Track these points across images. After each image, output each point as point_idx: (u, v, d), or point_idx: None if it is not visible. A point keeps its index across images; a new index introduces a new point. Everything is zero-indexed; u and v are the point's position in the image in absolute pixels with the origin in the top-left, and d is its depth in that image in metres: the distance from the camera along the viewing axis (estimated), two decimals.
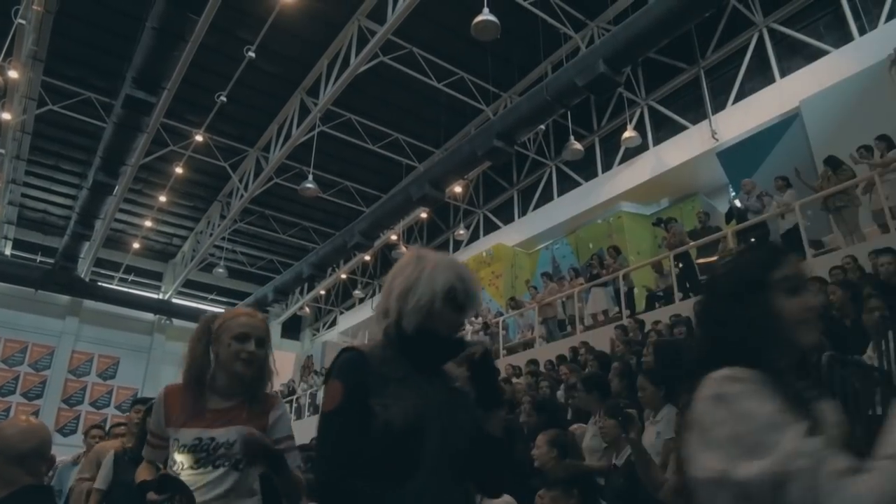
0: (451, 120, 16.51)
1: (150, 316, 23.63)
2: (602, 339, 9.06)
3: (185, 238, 22.77)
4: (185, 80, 13.02)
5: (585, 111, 15.80)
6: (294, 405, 18.13)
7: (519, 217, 17.94)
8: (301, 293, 24.17)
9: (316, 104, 13.96)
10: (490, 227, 18.92)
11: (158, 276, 24.60)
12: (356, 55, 12.63)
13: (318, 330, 26.94)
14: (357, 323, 22.84)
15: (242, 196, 17.28)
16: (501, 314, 13.42)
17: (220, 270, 20.96)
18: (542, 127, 15.02)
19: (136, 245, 21.40)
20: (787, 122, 11.16)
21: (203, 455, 2.04)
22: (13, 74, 12.44)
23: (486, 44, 12.21)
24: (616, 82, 10.55)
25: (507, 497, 2.81)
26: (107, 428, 5.93)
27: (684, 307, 8.37)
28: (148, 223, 20.25)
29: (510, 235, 17.47)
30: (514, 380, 8.45)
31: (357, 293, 23.12)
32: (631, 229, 14.09)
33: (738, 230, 9.07)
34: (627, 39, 9.91)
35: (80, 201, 16.42)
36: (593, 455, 3.88)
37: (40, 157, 17.61)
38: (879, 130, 8.09)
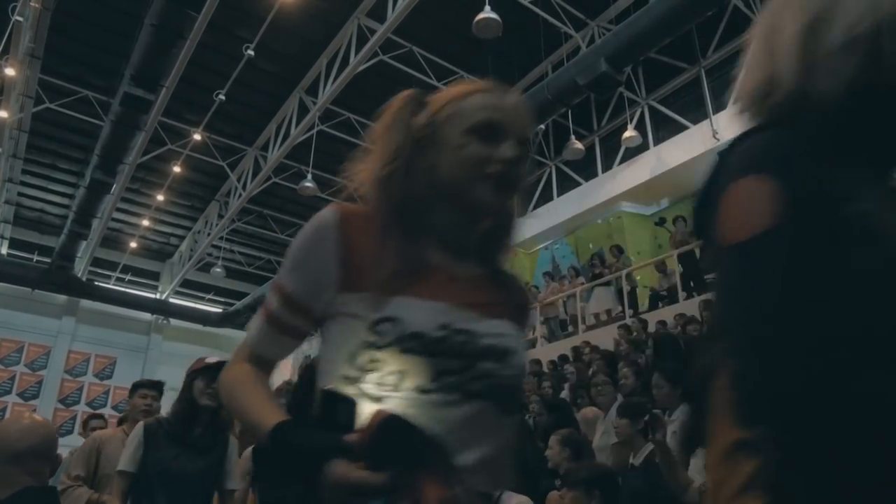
0: None
1: (147, 316, 23.54)
2: (604, 338, 9.01)
3: (182, 238, 22.66)
4: (184, 79, 12.94)
5: (586, 111, 15.75)
6: None
7: (518, 217, 17.84)
8: None
9: (315, 103, 13.88)
10: None
11: (156, 276, 24.47)
12: (356, 54, 12.56)
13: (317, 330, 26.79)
14: None
15: (241, 195, 17.20)
16: None
17: (218, 270, 20.88)
18: (542, 126, 14.96)
19: (133, 244, 21.31)
20: None
21: (456, 366, 1.00)
22: (10, 72, 12.34)
23: (487, 43, 12.14)
24: (618, 81, 10.51)
25: (523, 497, 2.75)
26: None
27: (689, 306, 8.32)
28: (145, 222, 20.15)
29: None
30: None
31: None
32: (631, 229, 14.07)
33: None
34: (629, 38, 9.88)
35: (77, 200, 16.33)
36: (601, 454, 3.83)
37: (37, 155, 17.48)
38: None
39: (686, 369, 3.44)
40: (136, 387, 3.84)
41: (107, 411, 21.08)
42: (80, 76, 14.80)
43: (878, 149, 0.80)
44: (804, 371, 0.65)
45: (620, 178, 14.62)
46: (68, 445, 13.55)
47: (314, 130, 15.03)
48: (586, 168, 15.73)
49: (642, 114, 14.67)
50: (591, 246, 14.34)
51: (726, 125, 12.43)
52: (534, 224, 16.78)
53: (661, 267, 10.32)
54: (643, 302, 10.57)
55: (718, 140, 12.41)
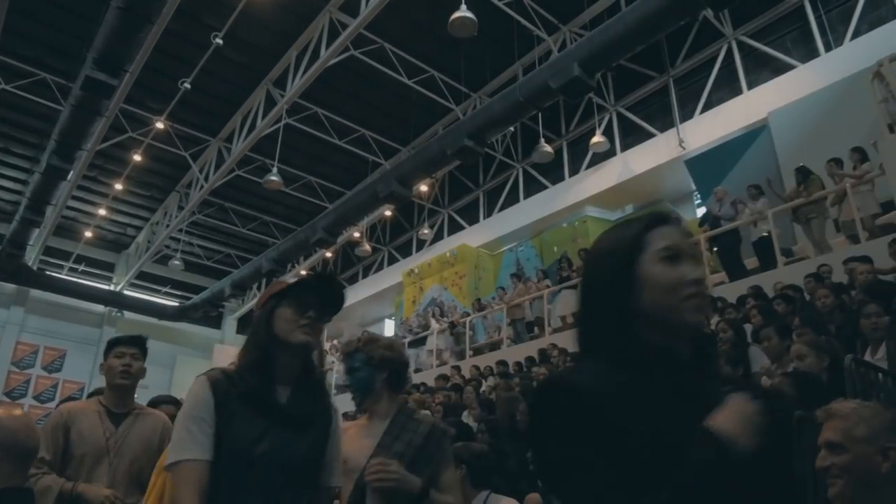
0: (419, 118, 16.37)
1: (100, 308, 22.90)
2: (570, 341, 9.02)
3: (140, 228, 22.11)
4: (148, 65, 12.64)
5: (555, 115, 15.84)
6: None
7: (484, 218, 17.90)
8: (259, 289, 23.70)
9: (282, 96, 13.68)
10: (455, 228, 18.83)
11: (110, 267, 23.83)
12: (326, 48, 12.41)
13: None
14: None
15: (202, 187, 16.86)
16: (468, 314, 13.34)
17: (176, 263, 20.44)
18: (511, 129, 15.00)
19: (88, 234, 20.69)
20: (755, 133, 11.36)
21: None
22: None
23: (459, 43, 12.15)
24: (589, 86, 10.55)
25: (510, 500, 2.70)
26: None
27: None
28: (102, 211, 19.60)
29: (475, 236, 17.43)
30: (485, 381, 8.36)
31: None
32: (595, 234, 13.85)
33: (709, 236, 9.16)
34: (602, 44, 9.95)
35: (31, 186, 15.80)
36: None
37: None
38: (845, 144, 8.25)
39: None
40: (112, 344, 2.94)
41: (54, 405, 20.47)
42: (39, 58, 14.32)
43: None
44: None
45: (587, 182, 14.74)
46: None
47: (281, 124, 14.81)
48: (553, 171, 15.82)
49: (610, 120, 14.81)
50: (555, 249, 14.40)
51: (692, 134, 12.64)
52: (499, 226, 16.83)
53: None
54: None
55: (684, 149, 12.61)
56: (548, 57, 13.11)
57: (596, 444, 0.95)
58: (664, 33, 10.43)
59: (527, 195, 16.63)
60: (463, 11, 9.92)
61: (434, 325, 13.48)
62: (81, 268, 22.75)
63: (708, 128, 12.43)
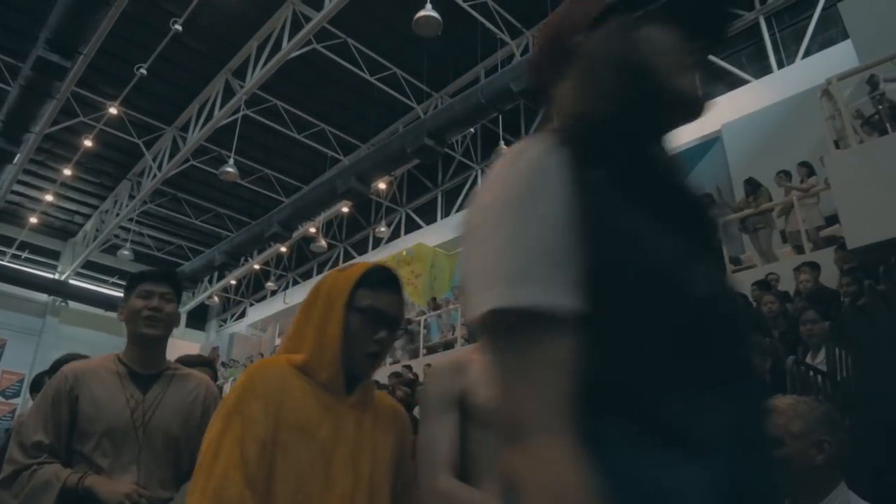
0: (380, 115, 16.32)
1: (43, 297, 22.17)
2: None
3: (88, 216, 21.51)
4: (104, 49, 12.32)
5: (515, 118, 15.96)
6: None
7: (442, 218, 17.93)
8: (210, 282, 23.34)
9: (242, 86, 13.49)
10: (412, 227, 18.82)
11: (56, 255, 23.12)
12: (288, 40, 12.28)
13: (225, 321, 26.07)
14: (267, 316, 22.24)
15: (155, 176, 16.50)
16: (424, 313, 13.35)
17: (126, 253, 19.92)
18: (472, 130, 15.07)
19: (33, 220, 20.05)
20: (708, 144, 11.63)
21: None
22: None
23: (423, 42, 12.16)
24: None
25: None
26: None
27: None
28: (49, 197, 19.02)
29: (432, 236, 17.44)
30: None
31: (270, 285, 22.52)
32: None
33: None
34: None
35: None
36: None
37: None
38: (794, 157, 8.53)
39: None
40: (135, 281, 2.17)
41: None
42: None
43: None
44: None
45: None
46: None
47: (239, 115, 14.58)
48: None
49: None
50: None
51: None
52: (456, 226, 16.85)
53: None
54: None
55: None
56: (510, 60, 13.22)
57: None
58: None
59: None
60: (428, 10, 9.96)
61: None
62: (25, 255, 22.02)
63: None
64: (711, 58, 12.55)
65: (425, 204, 18.76)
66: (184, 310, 24.29)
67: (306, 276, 22.28)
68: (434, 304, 13.04)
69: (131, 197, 18.14)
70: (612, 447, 0.69)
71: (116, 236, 20.45)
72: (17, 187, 18.02)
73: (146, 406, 2.00)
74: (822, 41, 11.21)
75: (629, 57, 0.87)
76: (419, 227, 18.44)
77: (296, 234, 17.82)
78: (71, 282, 22.43)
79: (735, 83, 12.11)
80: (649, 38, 0.88)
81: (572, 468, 0.66)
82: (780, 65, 11.60)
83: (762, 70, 11.85)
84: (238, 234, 17.70)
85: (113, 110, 14.80)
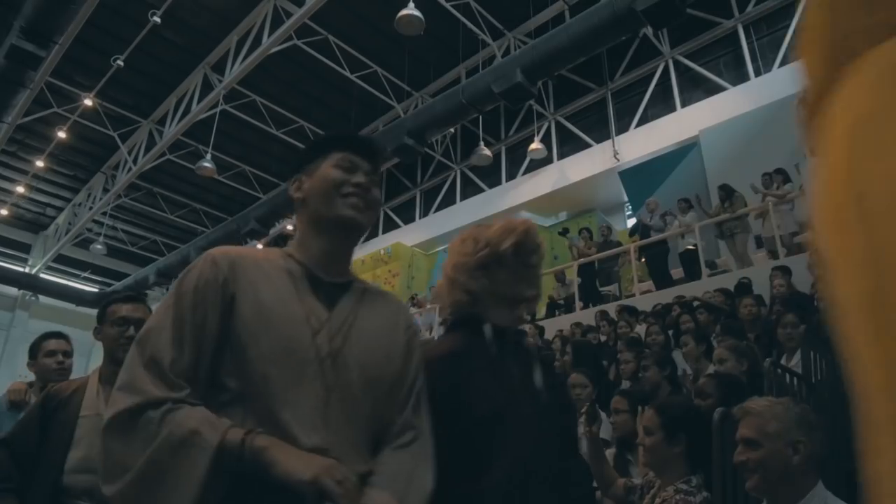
0: (360, 113, 16.25)
1: (13, 290, 21.72)
2: None
3: (60, 209, 21.15)
4: (80, 38, 12.13)
5: (495, 119, 16.01)
6: None
7: (420, 218, 17.91)
8: None
9: (220, 81, 13.34)
10: (390, 226, 18.77)
11: (27, 249, 22.67)
12: (269, 35, 12.16)
13: None
14: None
15: (130, 170, 16.25)
16: None
17: (99, 247, 19.60)
18: (452, 130, 15.08)
19: (3, 212, 19.65)
20: (686, 150, 11.76)
21: None
22: None
23: (404, 41, 12.14)
24: (531, 93, 10.73)
25: None
26: None
27: (586, 315, 8.61)
28: (20, 189, 18.67)
29: (409, 235, 17.41)
30: None
31: None
32: None
33: (639, 245, 9.44)
34: (546, 52, 10.14)
35: None
36: None
37: None
38: (771, 164, 8.64)
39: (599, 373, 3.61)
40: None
41: None
42: None
43: None
44: None
45: (523, 188, 14.94)
46: None
47: (217, 109, 14.42)
48: (491, 175, 15.97)
49: (549, 128, 15.06)
50: None
51: (627, 147, 12.98)
52: (434, 226, 16.86)
53: (560, 277, 10.60)
54: (541, 309, 10.81)
55: (619, 160, 12.93)
56: (491, 62, 13.24)
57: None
58: (605, 47, 10.73)
59: (464, 197, 16.73)
60: (410, 9, 9.93)
61: None
62: None
63: (642, 141, 12.79)
64: (690, 64, 12.72)
65: (404, 203, 18.72)
66: (157, 305, 23.96)
67: None
68: (416, 301, 13.00)
69: (105, 190, 17.87)
70: None
71: (89, 230, 20.14)
72: None
73: (334, 326, 1.27)
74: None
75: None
76: (397, 226, 18.40)
77: (273, 231, 17.67)
78: (42, 276, 22.02)
79: (713, 90, 12.25)
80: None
81: None
82: (758, 73, 11.74)
83: (740, 77, 12.00)
84: (214, 230, 17.53)
85: (88, 102, 14.58)
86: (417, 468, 1.22)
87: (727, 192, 8.71)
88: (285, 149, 17.50)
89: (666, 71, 13.18)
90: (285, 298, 1.24)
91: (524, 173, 15.23)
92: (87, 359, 21.56)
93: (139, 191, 19.22)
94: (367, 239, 18.87)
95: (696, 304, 6.14)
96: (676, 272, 9.32)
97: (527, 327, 9.17)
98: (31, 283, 21.65)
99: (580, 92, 14.62)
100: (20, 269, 21.99)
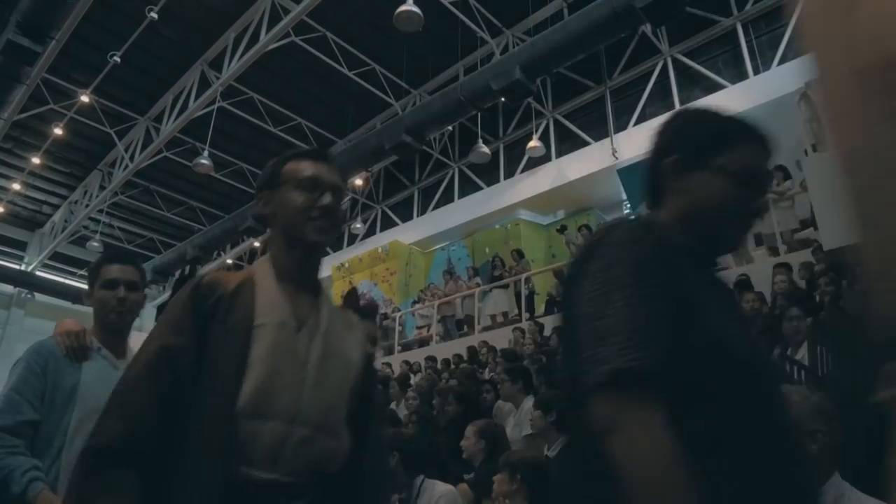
0: (358, 111, 16.22)
1: (9, 288, 21.65)
2: (500, 339, 9.12)
3: (57, 207, 21.06)
4: (77, 35, 12.08)
5: (493, 117, 15.99)
6: None
7: (418, 216, 17.88)
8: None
9: (218, 78, 13.29)
10: (388, 224, 18.74)
11: (22, 246, 22.59)
12: (266, 32, 12.12)
13: None
14: None
15: (127, 167, 16.19)
16: (399, 310, 13.30)
17: (95, 244, 19.53)
18: (450, 128, 15.06)
19: None
20: None
21: None
22: None
23: (402, 38, 12.10)
24: (530, 90, 10.73)
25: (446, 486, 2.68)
26: None
27: None
28: (16, 186, 18.58)
29: (407, 233, 17.37)
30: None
31: None
32: (527, 237, 14.39)
33: None
34: (544, 50, 10.14)
35: None
36: (513, 446, 3.85)
37: None
38: (770, 161, 8.63)
39: None
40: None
41: None
42: None
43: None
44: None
45: (521, 186, 14.92)
46: None
47: (214, 106, 14.38)
48: (489, 173, 15.95)
49: (547, 126, 15.04)
50: (487, 250, 14.52)
51: (625, 145, 12.96)
52: (432, 224, 16.84)
53: (559, 274, 10.61)
54: (539, 306, 10.80)
55: (617, 158, 12.92)
56: (489, 59, 13.22)
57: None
58: (604, 44, 10.73)
59: (461, 195, 16.70)
60: (409, 6, 9.89)
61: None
62: None
63: (641, 140, 12.62)
64: (689, 62, 12.71)
65: (402, 201, 18.69)
66: (154, 303, 23.89)
67: None
68: (419, 297, 13.00)
69: (102, 188, 17.80)
70: None
71: (86, 227, 20.07)
72: None
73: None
74: (798, 48, 11.36)
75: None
76: (395, 224, 18.36)
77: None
78: (38, 273, 21.96)
79: (712, 88, 12.24)
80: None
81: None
82: (756, 71, 11.73)
83: (739, 76, 11.99)
84: (211, 228, 17.50)
85: (84, 98, 14.52)
86: None
87: None
88: (283, 146, 17.42)
89: (664, 69, 13.17)
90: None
91: (522, 171, 15.20)
92: None
93: (136, 188, 19.16)
94: (365, 237, 18.87)
95: None
96: None
97: (525, 324, 9.20)
98: (27, 281, 21.59)
99: (579, 90, 14.60)
100: (16, 267, 21.92)
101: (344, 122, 16.61)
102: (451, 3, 12.41)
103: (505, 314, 10.96)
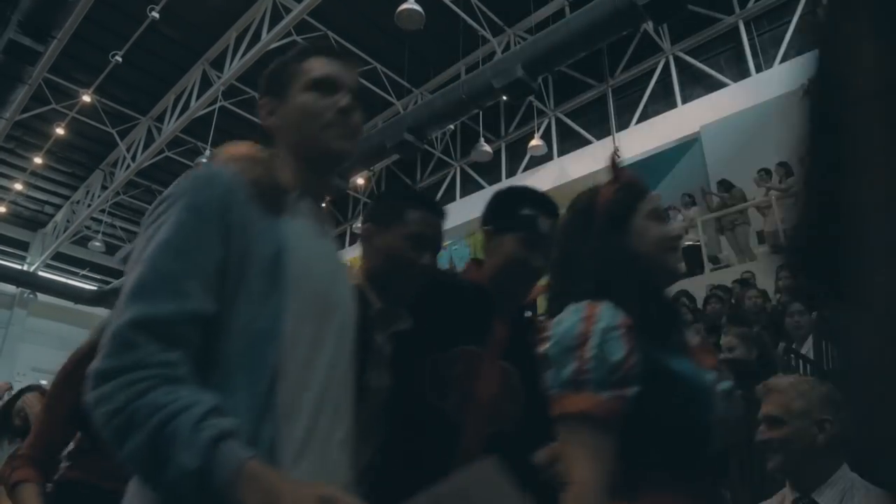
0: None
1: (11, 288, 21.63)
2: None
3: (59, 207, 21.07)
4: (78, 34, 12.07)
5: (495, 116, 15.98)
6: None
7: None
8: None
9: (219, 77, 13.30)
10: None
11: (25, 246, 22.59)
12: (268, 31, 12.13)
13: None
14: None
15: (129, 167, 16.20)
16: None
17: (97, 244, 19.54)
18: (451, 126, 15.04)
19: (1, 209, 19.61)
20: (686, 146, 11.74)
21: None
22: None
23: (404, 37, 12.10)
24: (532, 88, 10.72)
25: None
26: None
27: None
28: (18, 186, 18.60)
29: None
30: None
31: None
32: None
33: None
34: (546, 48, 10.14)
35: None
36: None
37: None
38: (771, 159, 8.63)
39: None
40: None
41: None
42: None
43: None
44: None
45: (523, 184, 14.89)
46: None
47: (216, 106, 14.36)
48: (490, 172, 15.94)
49: (549, 124, 15.04)
50: None
51: (627, 143, 12.94)
52: None
53: None
54: (542, 304, 10.79)
55: (619, 157, 12.85)
56: (491, 58, 13.20)
57: None
58: (606, 42, 10.71)
59: (463, 194, 16.70)
60: (410, 4, 9.90)
61: None
62: None
63: (643, 138, 12.77)
64: (691, 60, 12.70)
65: None
66: None
67: None
68: None
69: (104, 188, 17.81)
70: None
71: (88, 227, 20.07)
72: None
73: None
74: (800, 46, 11.33)
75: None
76: None
77: None
78: (40, 273, 21.96)
79: (714, 86, 12.22)
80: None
81: None
82: (759, 69, 11.72)
83: (741, 74, 11.97)
84: None
85: (86, 98, 14.53)
86: None
87: (725, 187, 8.71)
88: None
89: (666, 67, 13.16)
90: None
91: (524, 170, 15.20)
92: None
93: (138, 188, 19.14)
94: None
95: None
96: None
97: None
98: (29, 281, 21.59)
99: (580, 88, 14.60)
100: (18, 267, 21.91)
101: None
102: (452, 1, 12.40)
103: None
